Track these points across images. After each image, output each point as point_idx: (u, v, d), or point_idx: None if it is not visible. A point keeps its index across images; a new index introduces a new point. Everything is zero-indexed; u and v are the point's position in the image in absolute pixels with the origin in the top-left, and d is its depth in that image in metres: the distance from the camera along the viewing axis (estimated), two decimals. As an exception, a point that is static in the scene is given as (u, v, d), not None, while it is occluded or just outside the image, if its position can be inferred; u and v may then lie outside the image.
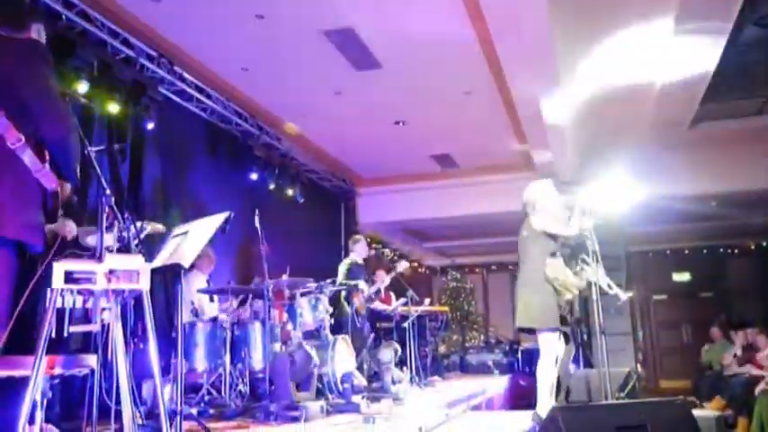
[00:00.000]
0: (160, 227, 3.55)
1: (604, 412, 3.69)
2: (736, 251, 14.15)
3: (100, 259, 2.58)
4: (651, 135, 8.84)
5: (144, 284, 2.67)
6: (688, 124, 8.88)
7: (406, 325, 8.22)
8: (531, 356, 10.61)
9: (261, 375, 5.35)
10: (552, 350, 4.55)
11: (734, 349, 9.99)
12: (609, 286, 4.76)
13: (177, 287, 3.66)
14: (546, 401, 4.60)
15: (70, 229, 2.78)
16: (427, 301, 9.71)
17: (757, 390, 7.47)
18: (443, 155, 9.99)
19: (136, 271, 2.64)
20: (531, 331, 4.76)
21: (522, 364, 10.56)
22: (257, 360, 5.51)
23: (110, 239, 2.75)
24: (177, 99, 6.82)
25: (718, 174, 9.65)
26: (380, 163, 10.25)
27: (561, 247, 4.85)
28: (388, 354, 7.36)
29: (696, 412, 6.12)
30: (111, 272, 2.58)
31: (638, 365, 7.10)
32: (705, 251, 14.08)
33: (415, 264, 14.68)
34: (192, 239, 3.69)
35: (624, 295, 4.83)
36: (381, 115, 8.33)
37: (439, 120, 8.47)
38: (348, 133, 8.90)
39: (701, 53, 6.55)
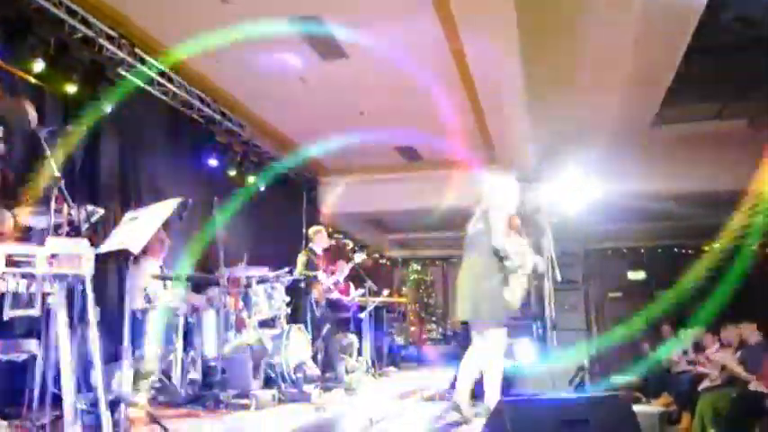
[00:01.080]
0: (101, 211, 3.48)
1: (548, 406, 3.76)
2: (690, 251, 14.45)
3: (42, 243, 2.54)
4: (612, 135, 8.97)
5: (87, 269, 2.63)
6: (648, 126, 9.03)
7: (363, 315, 8.28)
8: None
9: (214, 363, 5.33)
10: (500, 344, 4.62)
11: (682, 347, 10.25)
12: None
13: (125, 273, 3.62)
14: (494, 395, 4.67)
15: (4, 218, 2.72)
16: (386, 292, 9.77)
17: (701, 386, 7.67)
18: (408, 147, 10.01)
19: (79, 255, 2.60)
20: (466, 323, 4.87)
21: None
22: (210, 348, 5.51)
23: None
24: (137, 81, 6.70)
25: (676, 175, 9.84)
26: (344, 153, 10.21)
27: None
28: (343, 344, 7.40)
29: (641, 408, 6.29)
30: (53, 256, 2.53)
31: (586, 362, 7.22)
32: (660, 251, 14.36)
33: (377, 255, 14.71)
34: (142, 225, 3.65)
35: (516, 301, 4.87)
36: (346, 105, 8.30)
37: (404, 112, 8.47)
38: (312, 122, 8.84)
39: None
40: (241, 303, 6.16)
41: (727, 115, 9.05)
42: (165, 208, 3.75)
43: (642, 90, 7.74)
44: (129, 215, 3.84)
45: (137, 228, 3.67)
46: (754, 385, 6.87)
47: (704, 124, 9.22)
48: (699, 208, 10.70)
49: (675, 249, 14.41)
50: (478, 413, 4.67)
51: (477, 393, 4.87)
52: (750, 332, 7.78)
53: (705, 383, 7.73)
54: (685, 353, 9.90)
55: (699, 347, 9.41)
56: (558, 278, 5.21)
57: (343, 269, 7.77)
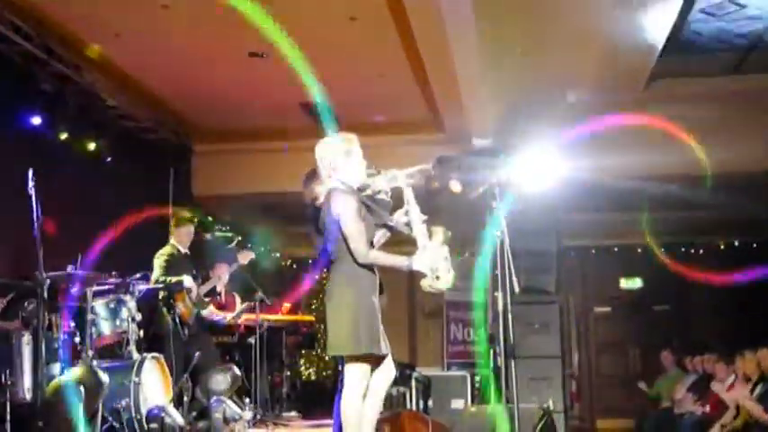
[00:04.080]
0: None
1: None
2: (701, 251, 14.91)
3: None
4: (595, 93, 9.16)
5: None
6: (644, 81, 9.25)
7: (252, 340, 8.23)
8: (429, 386, 10.86)
9: (30, 411, 5.24)
10: (359, 381, 4.66)
11: (687, 381, 10.63)
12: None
13: None
14: None
15: None
16: (286, 306, 9.74)
17: (710, 433, 7.97)
18: (318, 104, 9.96)
19: None
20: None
21: (417, 397, 10.76)
22: (25, 388, 5.40)
23: None
24: None
25: (680, 148, 10.08)
26: (229, 111, 10.08)
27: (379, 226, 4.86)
28: (221, 380, 7.33)
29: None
30: None
31: (552, 402, 7.36)
32: (662, 250, 14.76)
33: (277, 254, 14.62)
34: None
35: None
36: (230, 43, 8.19)
37: (312, 55, 8.40)
38: (182, 65, 8.71)
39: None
40: (72, 324, 6.04)
41: (747, 68, 9.33)
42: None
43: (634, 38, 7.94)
44: None
45: None
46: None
47: (717, 81, 9.49)
48: (712, 192, 11.02)
49: (682, 249, 14.84)
50: None
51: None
52: (773, 361, 8.12)
53: (715, 429, 8.03)
54: (691, 388, 10.26)
55: (708, 381, 9.75)
56: (516, 287, 5.28)
57: (223, 275, 7.70)
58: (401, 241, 4.97)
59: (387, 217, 4.79)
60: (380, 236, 4.86)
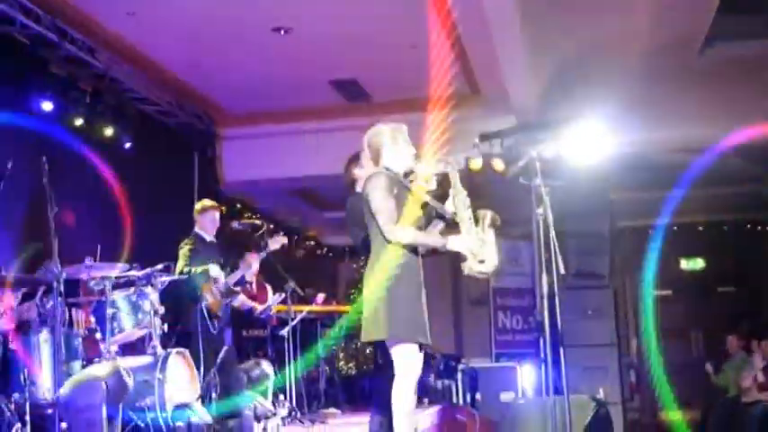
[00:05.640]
0: None
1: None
2: (768, 229, 14.69)
3: None
4: (647, 59, 9.02)
5: None
6: (699, 44, 9.10)
7: (285, 333, 8.23)
8: (476, 379, 10.84)
9: (49, 411, 5.27)
10: (411, 367, 4.67)
11: (757, 366, 10.49)
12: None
13: None
14: None
15: None
16: (321, 296, 9.73)
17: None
18: (348, 80, 9.96)
19: None
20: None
21: (464, 390, 10.77)
22: (45, 387, 5.44)
23: None
24: None
25: (742, 115, 9.93)
26: (254, 91, 10.11)
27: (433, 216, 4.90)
28: (253, 376, 7.35)
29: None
30: None
31: (602, 392, 7.27)
32: (726, 228, 14.56)
33: (312, 243, 14.66)
34: None
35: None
36: (252, 18, 8.21)
37: (340, 28, 8.40)
38: (203, 44, 8.74)
39: None
40: (92, 319, 6.07)
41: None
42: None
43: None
44: None
45: None
46: None
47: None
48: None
49: (747, 226, 14.64)
50: None
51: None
52: None
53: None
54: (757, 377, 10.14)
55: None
56: (562, 270, 5.23)
57: (252, 263, 7.69)
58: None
59: (441, 208, 4.81)
60: (432, 226, 4.91)
